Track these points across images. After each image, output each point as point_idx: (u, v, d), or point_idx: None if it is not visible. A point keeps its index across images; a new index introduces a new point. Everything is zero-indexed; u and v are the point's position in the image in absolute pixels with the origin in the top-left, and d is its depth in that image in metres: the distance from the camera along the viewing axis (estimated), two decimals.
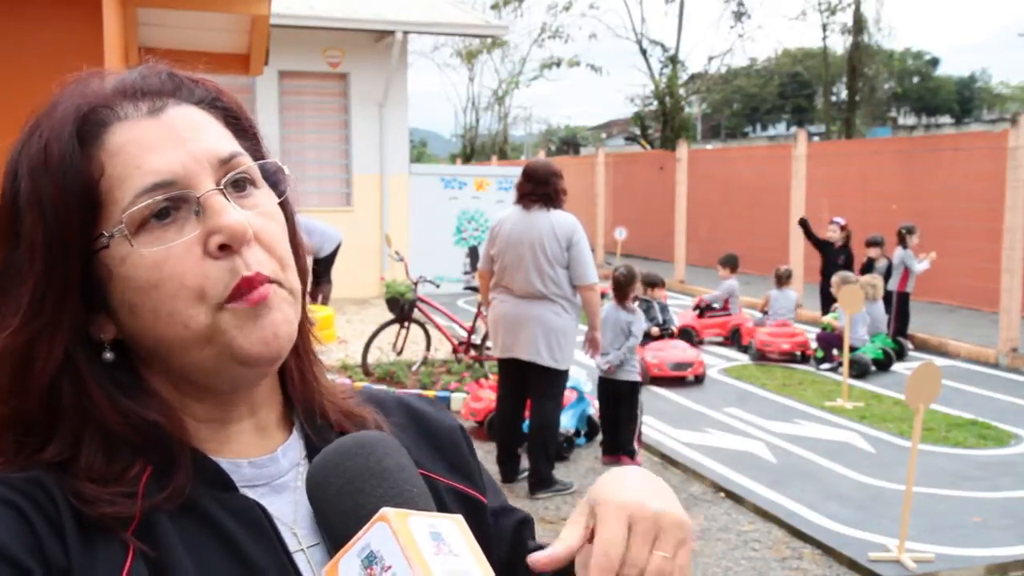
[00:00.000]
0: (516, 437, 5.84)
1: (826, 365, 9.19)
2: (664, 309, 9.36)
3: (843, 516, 5.25)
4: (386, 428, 0.90)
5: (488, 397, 6.70)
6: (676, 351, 8.79)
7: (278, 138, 12.95)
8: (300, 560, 0.79)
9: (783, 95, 46.14)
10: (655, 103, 29.90)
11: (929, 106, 49.18)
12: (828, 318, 9.32)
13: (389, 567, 0.67)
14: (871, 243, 10.45)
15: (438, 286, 9.29)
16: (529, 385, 5.56)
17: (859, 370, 8.74)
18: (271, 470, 0.83)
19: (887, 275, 10.13)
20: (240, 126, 0.85)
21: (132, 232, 0.75)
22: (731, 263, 10.87)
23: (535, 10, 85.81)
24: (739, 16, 29.89)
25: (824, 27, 29.98)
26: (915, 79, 47.95)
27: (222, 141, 0.80)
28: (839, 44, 34.15)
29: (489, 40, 31.12)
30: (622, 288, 6.27)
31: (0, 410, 0.77)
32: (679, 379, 8.62)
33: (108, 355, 0.79)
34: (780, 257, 12.81)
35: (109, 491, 0.73)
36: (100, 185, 0.76)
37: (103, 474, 0.74)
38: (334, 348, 9.61)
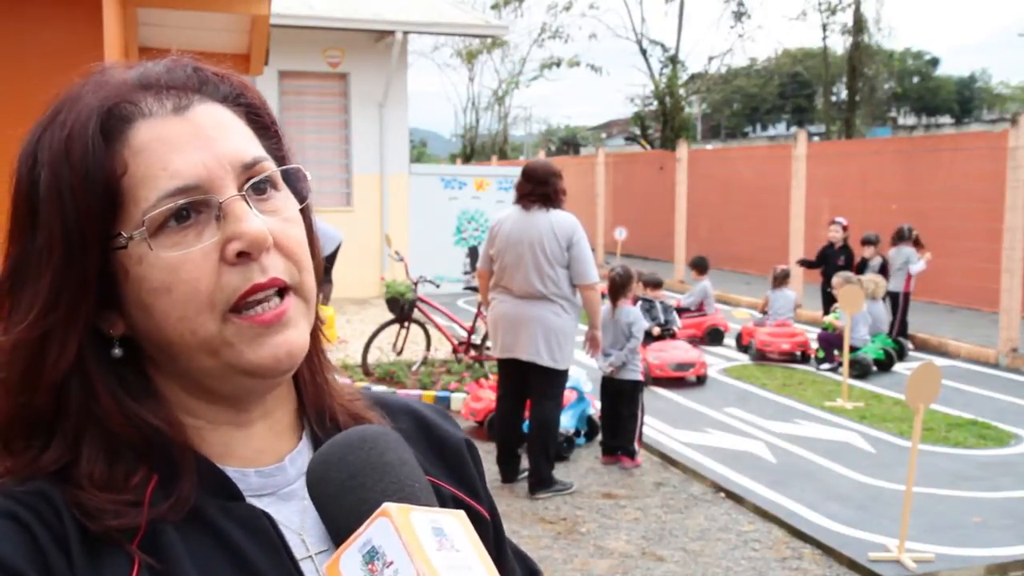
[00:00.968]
0: (516, 437, 5.83)
1: (826, 365, 9.18)
2: (667, 309, 9.33)
3: (843, 516, 5.25)
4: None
5: (488, 397, 6.70)
6: (678, 352, 8.76)
7: None
8: (307, 567, 0.78)
9: (783, 95, 46.15)
10: (655, 103, 29.90)
11: (929, 106, 49.18)
12: (829, 318, 9.32)
13: (391, 563, 0.66)
14: (865, 241, 10.45)
15: (438, 286, 9.29)
16: (529, 385, 5.56)
17: (861, 370, 8.74)
18: (278, 479, 0.82)
19: (882, 273, 10.12)
20: (262, 123, 0.84)
21: (151, 234, 0.74)
22: (701, 265, 10.93)
23: (535, 10, 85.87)
24: (739, 16, 29.89)
25: (824, 27, 29.99)
26: (915, 79, 47.96)
27: (246, 144, 0.79)
28: (839, 44, 34.17)
29: (489, 40, 31.12)
30: (619, 289, 6.27)
31: (8, 405, 0.76)
32: (682, 381, 8.61)
33: (116, 351, 0.78)
34: (780, 257, 12.80)
35: (113, 501, 0.72)
36: (123, 182, 0.74)
37: (105, 479, 0.74)
38: (334, 348, 9.61)
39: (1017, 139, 9.47)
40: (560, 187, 5.47)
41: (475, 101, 37.98)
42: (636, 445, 6.22)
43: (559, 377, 5.54)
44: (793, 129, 31.35)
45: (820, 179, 14.06)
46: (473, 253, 14.41)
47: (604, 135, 54.21)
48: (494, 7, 30.38)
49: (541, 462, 5.62)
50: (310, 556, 0.80)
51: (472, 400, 6.98)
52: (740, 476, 5.96)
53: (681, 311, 10.65)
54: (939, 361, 8.99)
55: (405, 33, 13.55)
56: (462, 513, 0.73)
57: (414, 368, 8.58)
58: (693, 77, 31.67)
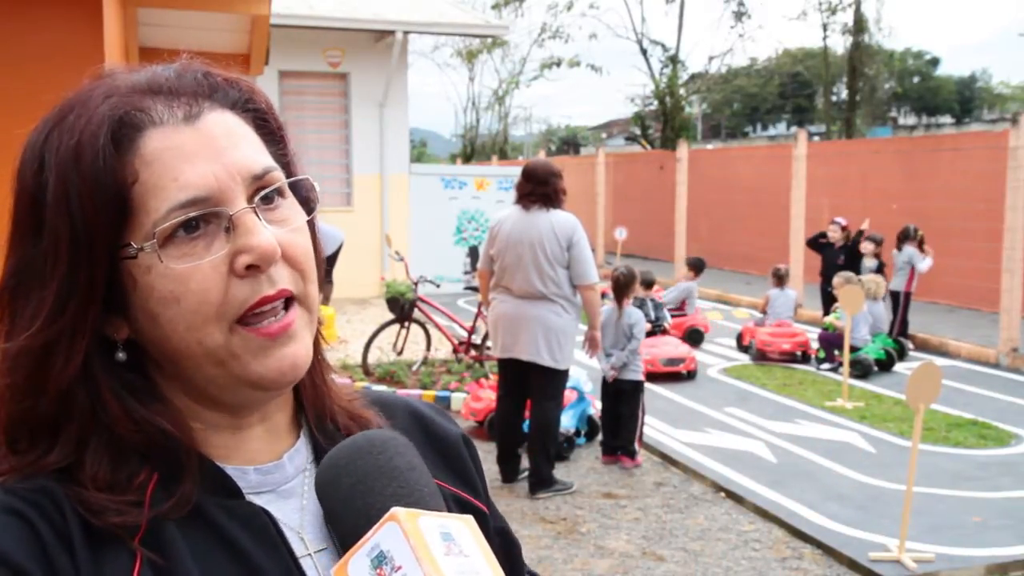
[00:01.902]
0: (516, 437, 5.83)
1: (826, 365, 9.19)
2: (658, 307, 9.43)
3: (843, 516, 5.25)
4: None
5: (488, 397, 6.70)
6: (668, 347, 8.88)
7: None
8: (307, 565, 0.79)
9: (783, 95, 46.13)
10: (655, 103, 29.89)
11: (929, 106, 49.16)
12: (830, 318, 9.32)
13: (399, 567, 0.66)
14: (869, 239, 10.46)
15: (438, 286, 9.30)
16: (529, 385, 5.56)
17: (862, 370, 8.74)
18: (276, 476, 0.83)
19: (879, 274, 10.12)
20: (269, 128, 0.84)
21: (161, 244, 0.74)
22: (698, 266, 10.89)
23: (535, 10, 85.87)
24: (739, 16, 29.88)
25: (824, 27, 29.97)
26: (915, 79, 47.93)
27: (256, 154, 0.79)
28: (839, 44, 34.13)
29: (489, 40, 31.11)
30: (622, 289, 6.27)
31: (13, 409, 0.76)
32: (677, 379, 8.65)
33: (121, 355, 0.78)
34: (780, 257, 12.80)
35: (116, 500, 0.73)
36: (132, 191, 0.74)
37: (108, 481, 0.74)
38: (334, 348, 9.62)
39: (1017, 139, 9.47)
40: (560, 187, 5.47)
41: (475, 101, 37.98)
42: (636, 445, 6.23)
43: (559, 377, 5.54)
44: (793, 129, 31.33)
45: (820, 179, 14.06)
46: (473, 253, 14.41)
47: (604, 135, 54.22)
48: (494, 7, 30.37)
49: (541, 462, 5.62)
50: (309, 554, 0.80)
51: (472, 400, 6.98)
52: (740, 476, 5.96)
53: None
54: (939, 361, 8.99)
55: (405, 33, 13.55)
56: (470, 518, 0.74)
57: (414, 368, 8.58)
58: (693, 77, 31.67)
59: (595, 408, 6.75)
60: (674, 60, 29.00)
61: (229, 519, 0.77)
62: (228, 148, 0.77)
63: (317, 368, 0.88)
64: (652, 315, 9.19)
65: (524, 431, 5.81)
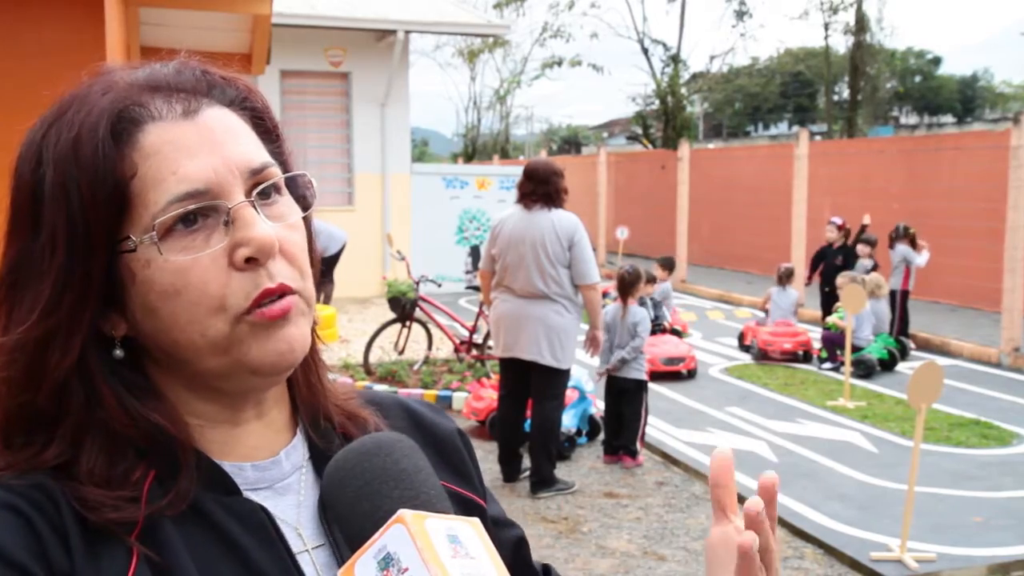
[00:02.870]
0: (518, 436, 5.84)
1: (828, 365, 9.18)
2: (657, 305, 9.41)
3: (845, 516, 5.25)
4: (385, 429, 0.90)
5: (490, 396, 6.70)
6: (668, 346, 8.89)
7: None
8: (304, 561, 0.79)
9: (785, 94, 46.10)
10: (657, 102, 29.87)
11: (931, 105, 49.13)
12: (833, 318, 9.31)
13: (406, 569, 0.67)
14: (863, 241, 10.44)
15: (440, 285, 9.30)
16: (531, 384, 5.56)
17: (866, 370, 8.74)
18: (273, 473, 0.83)
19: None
20: (265, 127, 0.84)
21: (161, 237, 0.74)
22: (668, 265, 10.81)
23: (537, 9, 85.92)
24: (741, 15, 29.88)
25: (826, 26, 29.96)
26: (917, 78, 47.90)
27: (254, 149, 0.80)
28: (841, 43, 34.11)
29: (491, 39, 31.09)
30: (627, 288, 6.27)
31: (9, 404, 0.76)
32: (679, 378, 8.65)
33: (118, 352, 0.78)
34: (782, 256, 12.80)
35: (112, 496, 0.73)
36: (131, 185, 0.74)
37: (105, 477, 0.74)
38: (336, 347, 9.62)
39: (1019, 138, 9.46)
40: (562, 186, 5.47)
41: (477, 100, 37.97)
42: (638, 444, 6.23)
43: (561, 376, 5.54)
44: (795, 128, 31.32)
45: (822, 178, 14.06)
46: (475, 252, 14.41)
47: (606, 134, 54.21)
48: (496, 6, 30.36)
49: (543, 461, 5.62)
50: (307, 550, 0.80)
51: (474, 399, 6.98)
52: (742, 476, 5.95)
53: None
54: (941, 360, 8.98)
55: (407, 32, 13.56)
56: (477, 521, 0.74)
57: (416, 367, 8.59)
58: (695, 76, 31.66)
59: (596, 407, 6.75)
60: (675, 59, 28.98)
61: (226, 515, 0.77)
62: (226, 142, 0.77)
63: (312, 367, 0.89)
64: (652, 313, 9.19)
65: (526, 430, 5.81)
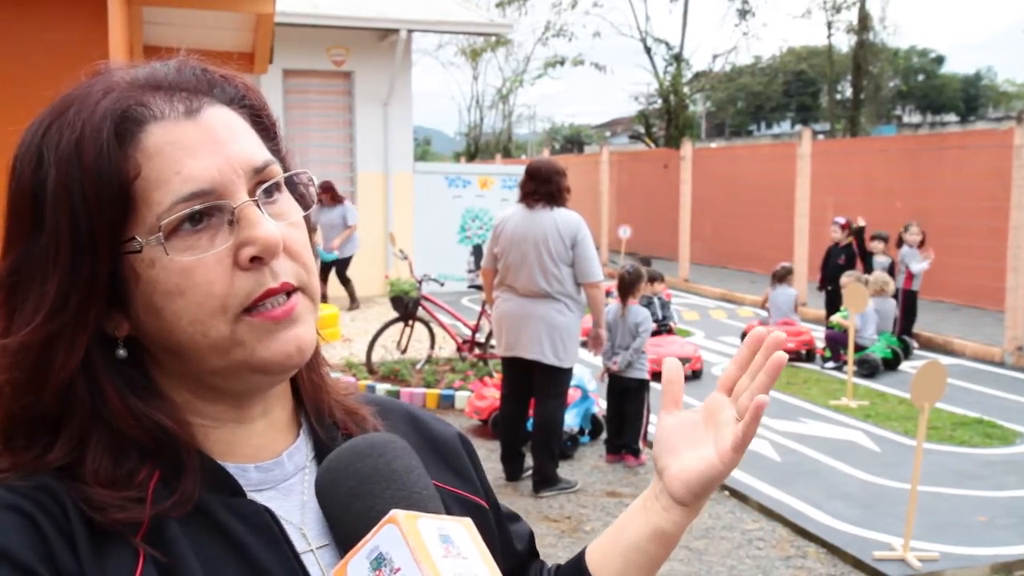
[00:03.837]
0: (520, 435, 5.83)
1: (831, 364, 9.18)
2: (664, 305, 9.41)
3: (848, 515, 5.24)
4: (381, 428, 0.90)
5: (492, 395, 6.70)
6: (674, 346, 8.90)
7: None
8: (309, 561, 0.79)
9: (788, 93, 46.06)
10: (659, 101, 29.86)
11: (934, 104, 49.07)
12: (837, 317, 9.31)
13: (398, 569, 0.67)
14: (875, 238, 10.45)
15: (442, 284, 9.30)
16: (533, 383, 5.56)
17: (870, 370, 8.73)
18: (276, 473, 0.83)
19: (890, 272, 10.12)
20: (263, 124, 0.85)
21: (166, 237, 0.74)
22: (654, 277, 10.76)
23: (539, 8, 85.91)
24: (743, 14, 29.84)
25: (829, 25, 29.95)
26: (920, 77, 47.84)
27: (256, 147, 0.80)
28: (844, 42, 34.12)
29: (493, 38, 31.10)
30: (628, 287, 6.27)
31: (13, 405, 0.76)
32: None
33: (121, 352, 0.78)
34: (785, 255, 12.79)
35: (118, 496, 0.73)
36: (135, 185, 0.74)
37: (110, 478, 0.74)
38: (338, 346, 9.62)
39: (1022, 137, 9.44)
40: (564, 185, 5.46)
41: (479, 99, 38.05)
42: (641, 444, 6.22)
43: (563, 375, 5.54)
44: (798, 127, 31.27)
45: (825, 177, 14.04)
46: (477, 251, 14.41)
47: (608, 133, 54.22)
48: (498, 5, 30.35)
49: (545, 460, 5.62)
50: (311, 550, 0.80)
51: (476, 398, 6.98)
52: (744, 474, 5.95)
53: None
54: (944, 359, 8.97)
55: (409, 31, 13.55)
56: (469, 520, 0.74)
57: (418, 366, 8.59)
58: (697, 75, 31.63)
59: (599, 406, 6.75)
60: (678, 58, 28.96)
61: (231, 517, 0.77)
62: (229, 141, 0.77)
63: (314, 363, 0.89)
64: (659, 314, 9.18)
65: (528, 429, 5.81)
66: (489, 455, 6.11)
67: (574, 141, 53.91)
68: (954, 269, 12.25)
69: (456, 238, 14.62)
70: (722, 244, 17.89)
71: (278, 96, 13.11)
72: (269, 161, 0.80)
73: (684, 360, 8.73)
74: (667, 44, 29.54)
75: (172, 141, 0.75)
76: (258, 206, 0.77)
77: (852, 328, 7.89)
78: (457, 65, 45.87)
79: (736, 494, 5.66)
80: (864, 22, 28.29)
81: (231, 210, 0.76)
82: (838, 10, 29.23)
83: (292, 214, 0.81)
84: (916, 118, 48.89)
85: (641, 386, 6.17)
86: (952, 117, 47.82)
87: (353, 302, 12.32)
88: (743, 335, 10.22)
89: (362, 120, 13.87)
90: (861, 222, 10.91)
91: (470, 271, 14.27)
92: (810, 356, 9.53)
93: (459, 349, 8.65)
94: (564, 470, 5.87)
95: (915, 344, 10.05)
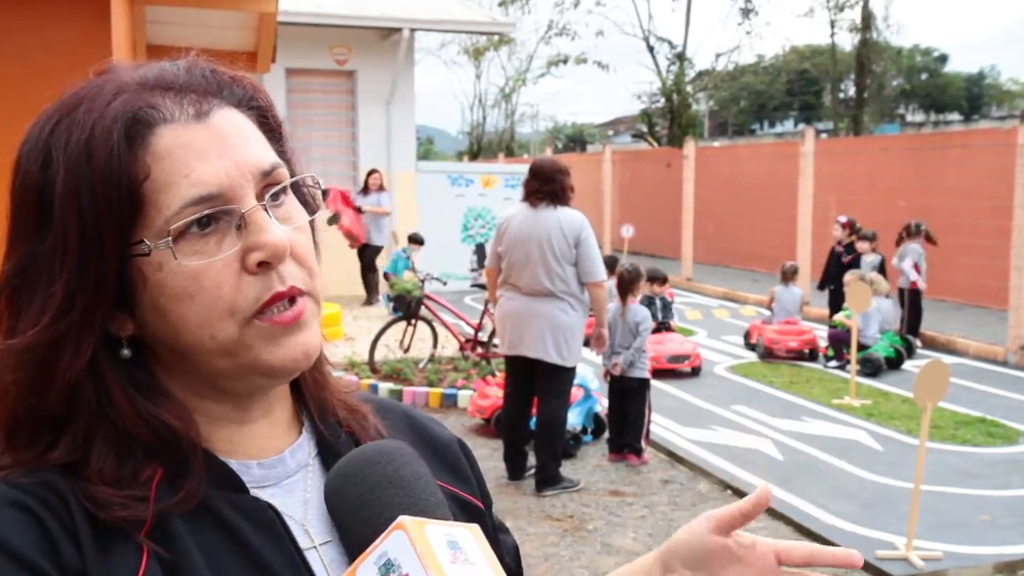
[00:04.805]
0: (523, 434, 5.84)
1: (834, 363, 9.17)
2: (666, 306, 9.41)
3: (850, 514, 5.24)
4: (381, 427, 0.91)
5: (495, 394, 6.70)
6: (673, 344, 8.92)
7: None
8: (312, 557, 0.80)
9: (791, 92, 45.99)
10: (662, 100, 29.84)
11: (937, 103, 48.98)
12: (840, 316, 9.30)
13: (406, 575, 0.67)
14: (861, 238, 10.42)
15: (445, 283, 9.31)
16: (536, 382, 5.56)
17: (873, 369, 8.72)
18: (279, 470, 0.83)
19: (881, 271, 10.09)
20: (269, 125, 0.85)
21: (174, 241, 0.74)
22: (611, 265, 10.71)
23: (542, 7, 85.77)
24: (746, 13, 29.83)
25: (832, 24, 29.88)
26: (923, 76, 47.73)
27: (264, 151, 0.80)
28: (847, 41, 34.03)
29: (496, 37, 31.08)
30: (627, 286, 6.27)
31: (17, 406, 0.76)
32: (684, 376, 8.66)
33: (126, 352, 0.78)
34: (788, 254, 12.78)
35: (121, 494, 0.73)
36: (144, 188, 0.74)
37: (114, 476, 0.74)
38: (341, 345, 9.62)
39: None
40: (568, 184, 5.46)
41: (482, 98, 38.02)
42: (643, 443, 6.22)
43: (566, 374, 5.54)
44: (801, 126, 31.23)
45: (828, 176, 14.03)
46: (480, 250, 14.42)
47: (611, 132, 54.22)
48: (501, 4, 30.32)
49: (548, 459, 5.62)
50: (315, 546, 0.81)
51: (479, 397, 6.98)
52: (747, 474, 5.95)
53: None
54: (947, 359, 8.96)
55: (412, 30, 13.56)
56: (476, 527, 0.75)
57: (421, 365, 8.59)
58: (700, 74, 31.60)
59: (602, 405, 6.75)
60: (681, 57, 28.93)
61: (235, 513, 0.77)
62: (238, 145, 0.77)
63: (317, 362, 0.89)
64: (660, 315, 9.18)
65: (531, 428, 5.82)
66: (492, 454, 6.12)
67: (577, 140, 53.90)
68: (957, 268, 12.23)
69: (459, 237, 14.62)
70: (725, 243, 17.88)
71: (281, 95, 13.12)
72: (277, 164, 0.80)
73: (683, 357, 8.75)
74: (670, 43, 29.53)
75: (182, 144, 0.75)
76: (266, 210, 0.77)
77: (855, 327, 7.88)
78: (460, 64, 45.90)
79: (739, 493, 5.66)
80: (867, 21, 28.23)
81: (239, 215, 0.76)
82: (841, 9, 29.17)
83: (298, 218, 0.81)
84: (919, 117, 48.83)
85: (642, 385, 6.17)
86: (955, 116, 47.76)
87: (373, 295, 12.36)
88: (746, 334, 10.22)
89: (365, 119, 13.88)
90: (839, 229, 10.87)
91: (473, 270, 14.28)
92: (813, 355, 9.53)
93: (462, 348, 8.65)
94: (567, 469, 5.87)
95: (918, 343, 10.04)
